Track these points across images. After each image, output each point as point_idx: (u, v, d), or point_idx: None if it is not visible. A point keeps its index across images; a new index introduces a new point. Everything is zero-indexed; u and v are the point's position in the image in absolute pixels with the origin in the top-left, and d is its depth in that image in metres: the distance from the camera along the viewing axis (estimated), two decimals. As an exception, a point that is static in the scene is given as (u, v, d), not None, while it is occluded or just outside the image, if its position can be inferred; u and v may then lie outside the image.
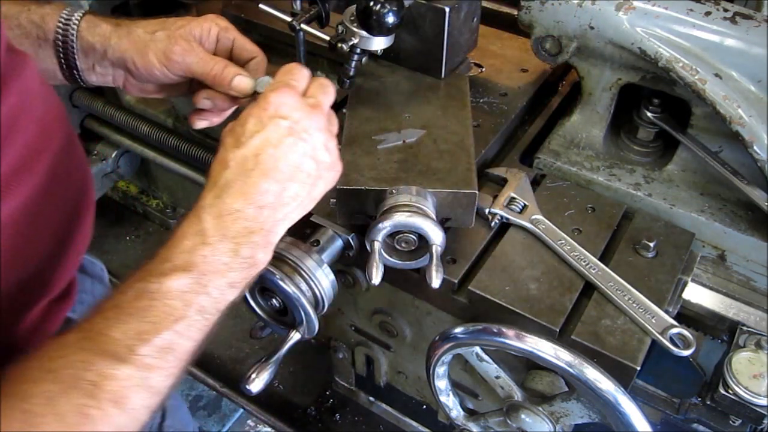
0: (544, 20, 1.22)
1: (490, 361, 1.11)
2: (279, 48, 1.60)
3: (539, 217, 1.13)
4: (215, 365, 2.04)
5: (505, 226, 1.15)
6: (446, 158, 1.07)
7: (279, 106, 0.84)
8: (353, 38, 1.10)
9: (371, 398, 1.74)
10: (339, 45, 1.11)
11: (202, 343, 0.77)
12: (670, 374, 1.16)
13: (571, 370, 0.95)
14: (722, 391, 1.03)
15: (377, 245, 0.98)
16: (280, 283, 1.00)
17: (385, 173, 1.05)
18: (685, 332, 0.98)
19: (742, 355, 1.04)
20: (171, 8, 1.77)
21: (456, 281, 1.07)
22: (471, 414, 1.26)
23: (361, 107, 1.19)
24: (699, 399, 1.13)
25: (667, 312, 1.01)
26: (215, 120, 1.04)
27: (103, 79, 1.01)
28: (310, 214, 1.14)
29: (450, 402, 1.23)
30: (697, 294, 1.19)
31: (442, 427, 1.58)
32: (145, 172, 2.24)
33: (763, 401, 1.01)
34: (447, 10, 1.17)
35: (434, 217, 0.99)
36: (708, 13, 1.10)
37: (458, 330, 1.05)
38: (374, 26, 1.05)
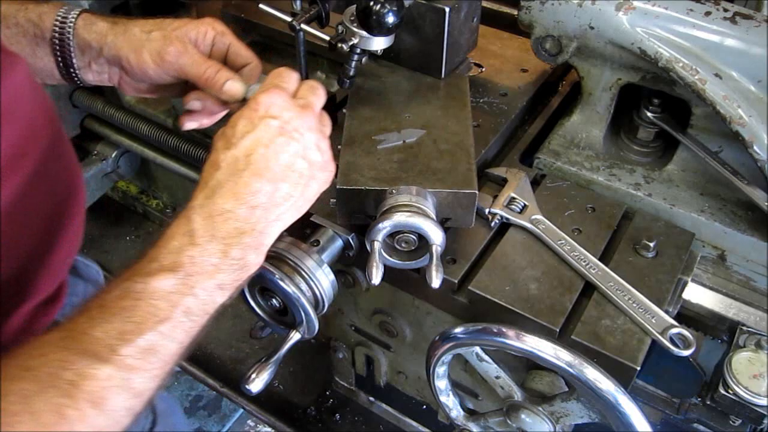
0: (544, 20, 1.22)
1: (490, 361, 1.11)
2: (279, 48, 1.60)
3: (539, 217, 1.13)
4: (215, 365, 2.04)
5: (505, 226, 1.15)
6: (446, 158, 1.07)
7: (269, 106, 0.84)
8: (353, 38, 1.10)
9: (371, 398, 1.74)
10: (339, 45, 1.11)
11: (189, 346, 0.76)
12: (670, 374, 1.16)
13: (571, 370, 0.95)
14: (722, 391, 1.03)
15: (377, 245, 0.98)
16: (280, 283, 1.00)
17: (385, 173, 1.05)
18: (685, 332, 0.98)
19: (742, 355, 1.05)
20: (171, 8, 1.77)
21: (456, 281, 1.07)
22: (471, 414, 1.26)
23: (361, 107, 1.19)
24: (699, 399, 1.13)
25: (667, 312, 1.01)
26: (205, 122, 1.04)
27: (99, 77, 1.01)
28: (309, 214, 1.14)
29: (450, 402, 1.23)
30: (697, 294, 1.19)
31: (442, 427, 1.58)
32: (145, 172, 2.24)
33: (763, 401, 1.01)
34: (447, 10, 1.17)
35: (434, 217, 0.99)
36: (708, 13, 1.10)
37: (458, 330, 1.05)
38: (374, 26, 1.05)
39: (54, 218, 0.87)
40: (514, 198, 1.16)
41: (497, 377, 1.13)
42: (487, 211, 1.14)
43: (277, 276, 0.99)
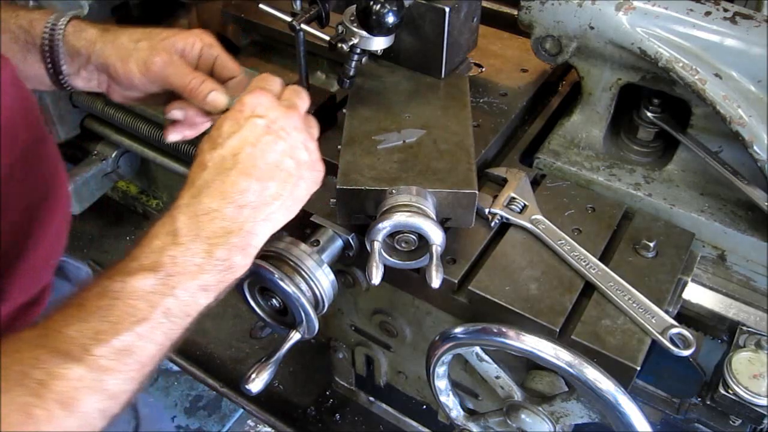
0: (544, 20, 1.22)
1: (490, 361, 1.11)
2: (279, 48, 1.60)
3: (539, 217, 1.13)
4: (215, 365, 2.04)
5: (505, 226, 1.15)
6: (446, 158, 1.07)
7: (255, 106, 0.84)
8: (353, 38, 1.10)
9: (371, 398, 1.74)
10: (339, 45, 1.11)
11: (170, 348, 0.74)
12: (670, 374, 1.16)
13: (571, 370, 0.95)
14: (722, 391, 1.03)
15: (377, 245, 0.98)
16: (280, 283, 1.00)
17: (385, 173, 1.04)
18: (685, 332, 0.98)
19: (742, 355, 1.05)
20: (171, 8, 1.77)
21: (456, 281, 1.07)
22: (471, 414, 1.26)
23: (361, 107, 1.19)
24: (699, 399, 1.13)
25: (667, 312, 1.01)
26: (188, 134, 1.03)
27: (88, 84, 1.01)
28: (309, 214, 1.14)
29: (450, 402, 1.23)
30: (697, 294, 1.19)
31: (442, 427, 1.58)
32: (145, 172, 2.23)
33: (763, 401, 1.01)
34: (447, 10, 1.17)
35: (434, 217, 0.99)
36: (708, 13, 1.10)
37: (458, 330, 1.05)
38: (374, 26, 1.05)
39: (29, 220, 0.85)
40: (514, 198, 1.16)
41: (497, 377, 1.13)
42: (487, 211, 1.14)
43: (277, 276, 0.99)
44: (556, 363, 0.96)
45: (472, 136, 1.12)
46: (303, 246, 1.05)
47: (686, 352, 0.96)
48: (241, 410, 2.07)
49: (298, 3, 1.09)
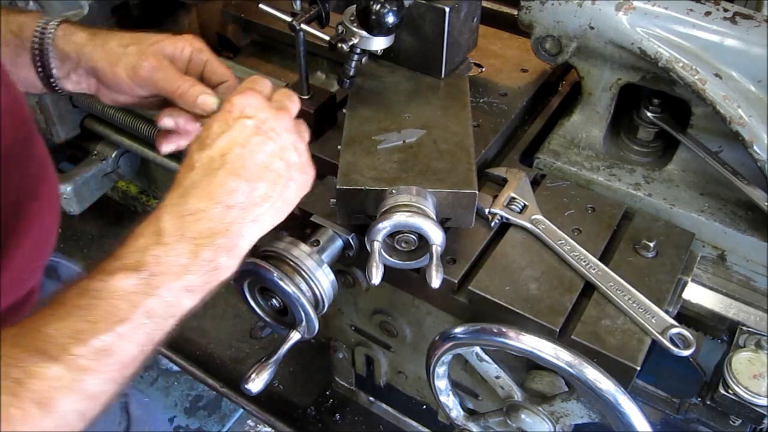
0: (544, 20, 1.22)
1: (490, 361, 1.11)
2: (279, 48, 1.60)
3: (539, 217, 1.13)
4: (215, 365, 2.04)
5: (505, 226, 1.15)
6: (446, 158, 1.07)
7: (244, 107, 0.83)
8: (353, 38, 1.10)
9: (371, 398, 1.74)
10: (339, 45, 1.11)
11: (153, 350, 0.73)
12: (670, 374, 1.16)
13: (571, 370, 0.95)
14: (722, 391, 1.03)
15: (377, 245, 0.98)
16: (280, 283, 1.00)
17: (385, 173, 1.04)
18: (685, 332, 0.98)
19: (742, 355, 1.05)
20: (171, 8, 1.77)
21: (456, 281, 1.07)
22: (471, 414, 1.26)
23: (361, 107, 1.19)
24: (699, 399, 1.13)
25: (667, 312, 1.01)
26: (182, 143, 1.02)
27: (78, 86, 1.00)
28: (309, 214, 1.14)
29: (450, 402, 1.23)
30: (697, 294, 1.19)
31: (442, 427, 1.58)
32: (145, 172, 2.24)
33: (763, 401, 1.01)
34: (447, 10, 1.17)
35: (434, 217, 0.99)
36: (708, 13, 1.10)
37: (458, 330, 1.05)
38: (374, 26, 1.05)
39: (14, 219, 0.84)
40: (514, 198, 1.16)
41: (497, 377, 1.13)
42: (487, 211, 1.14)
43: (277, 276, 1.00)
44: (556, 363, 0.96)
45: (472, 136, 1.12)
46: (303, 246, 1.05)
47: (686, 352, 0.96)
48: (241, 410, 2.07)
49: (298, 3, 1.09)
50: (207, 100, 0.93)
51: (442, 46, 1.22)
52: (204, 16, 1.73)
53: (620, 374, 0.95)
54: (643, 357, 0.96)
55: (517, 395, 1.13)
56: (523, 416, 1.11)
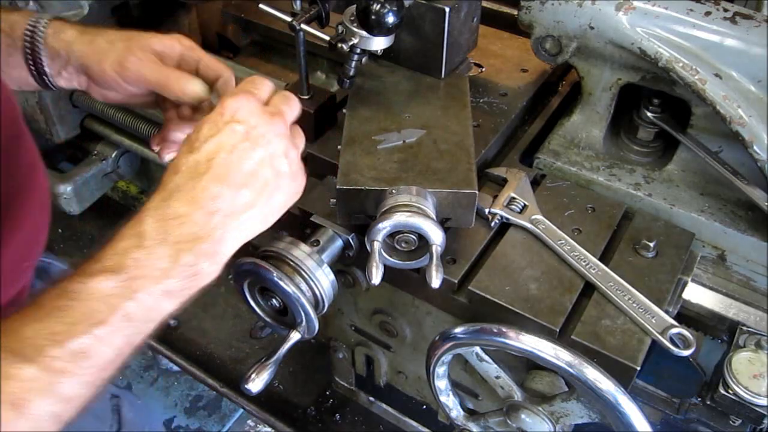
0: (544, 20, 1.22)
1: (490, 361, 1.11)
2: (279, 48, 1.61)
3: (539, 217, 1.13)
4: (215, 365, 2.04)
5: (505, 226, 1.15)
6: (446, 158, 1.07)
7: (235, 110, 0.82)
8: (353, 38, 1.10)
9: (371, 398, 1.74)
10: (339, 45, 1.11)
11: (131, 354, 0.72)
12: (670, 374, 1.16)
13: (571, 370, 0.95)
14: (722, 391, 1.03)
15: (377, 245, 0.98)
16: (280, 283, 1.00)
17: (385, 173, 1.04)
18: (685, 332, 0.98)
19: (742, 355, 1.04)
20: (171, 8, 1.77)
21: (456, 281, 1.07)
22: (471, 414, 1.26)
23: (361, 107, 1.19)
24: (699, 399, 1.13)
25: (667, 312, 1.01)
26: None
27: (69, 83, 1.00)
28: (309, 214, 1.14)
29: (450, 402, 1.23)
30: (697, 294, 1.19)
31: (442, 427, 1.58)
32: (145, 172, 2.23)
33: (763, 401, 1.01)
34: (447, 10, 1.17)
35: (434, 217, 0.99)
36: (708, 13, 1.10)
37: (458, 330, 1.05)
38: (374, 26, 1.05)
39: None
40: (514, 198, 1.16)
41: (497, 377, 1.13)
42: (487, 211, 1.14)
43: (276, 276, 0.99)
44: (556, 363, 0.96)
45: (472, 136, 1.12)
46: (303, 246, 1.05)
47: (686, 352, 0.96)
48: (241, 410, 2.07)
49: (298, 3, 1.09)
50: (194, 86, 0.92)
51: (442, 46, 1.22)
52: (204, 16, 1.73)
53: (620, 374, 0.95)
54: (643, 357, 0.96)
55: (517, 395, 1.13)
56: (523, 416, 1.11)
